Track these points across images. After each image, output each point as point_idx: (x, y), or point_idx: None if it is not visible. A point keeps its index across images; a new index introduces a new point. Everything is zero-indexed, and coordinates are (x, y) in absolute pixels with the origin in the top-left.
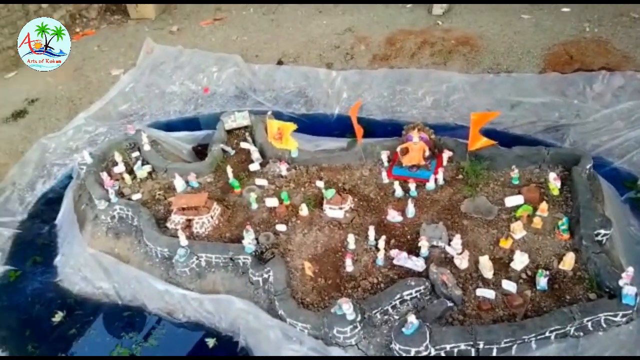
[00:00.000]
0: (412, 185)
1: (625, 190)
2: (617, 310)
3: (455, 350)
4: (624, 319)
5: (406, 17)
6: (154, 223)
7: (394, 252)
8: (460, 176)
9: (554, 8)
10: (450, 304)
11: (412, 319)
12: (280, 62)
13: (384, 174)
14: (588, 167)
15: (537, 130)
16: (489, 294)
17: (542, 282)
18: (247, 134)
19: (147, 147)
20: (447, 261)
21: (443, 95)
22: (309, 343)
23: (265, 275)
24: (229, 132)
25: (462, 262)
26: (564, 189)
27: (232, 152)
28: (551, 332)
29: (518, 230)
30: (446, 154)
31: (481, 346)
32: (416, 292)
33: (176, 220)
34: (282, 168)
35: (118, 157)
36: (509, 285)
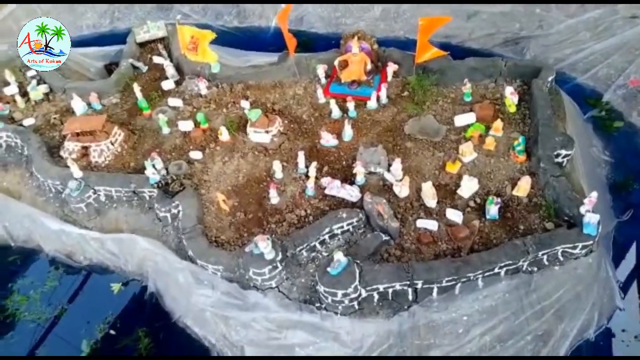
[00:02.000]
0: (351, 105)
1: (589, 108)
2: (577, 241)
3: (390, 290)
4: (583, 251)
5: None
6: (45, 152)
7: (325, 181)
8: (406, 93)
9: None
10: (386, 237)
11: (339, 256)
12: None
13: (320, 91)
14: (550, 79)
15: (495, 44)
16: (431, 225)
17: (492, 210)
18: (162, 46)
19: None
20: (386, 189)
21: (393, 5)
22: (223, 287)
23: (174, 211)
24: (142, 45)
25: (402, 189)
26: (522, 105)
27: (144, 68)
28: (501, 267)
29: (468, 153)
30: (391, 68)
31: (419, 286)
32: (348, 225)
33: (70, 147)
34: (201, 86)
35: (10, 76)
36: (454, 215)
